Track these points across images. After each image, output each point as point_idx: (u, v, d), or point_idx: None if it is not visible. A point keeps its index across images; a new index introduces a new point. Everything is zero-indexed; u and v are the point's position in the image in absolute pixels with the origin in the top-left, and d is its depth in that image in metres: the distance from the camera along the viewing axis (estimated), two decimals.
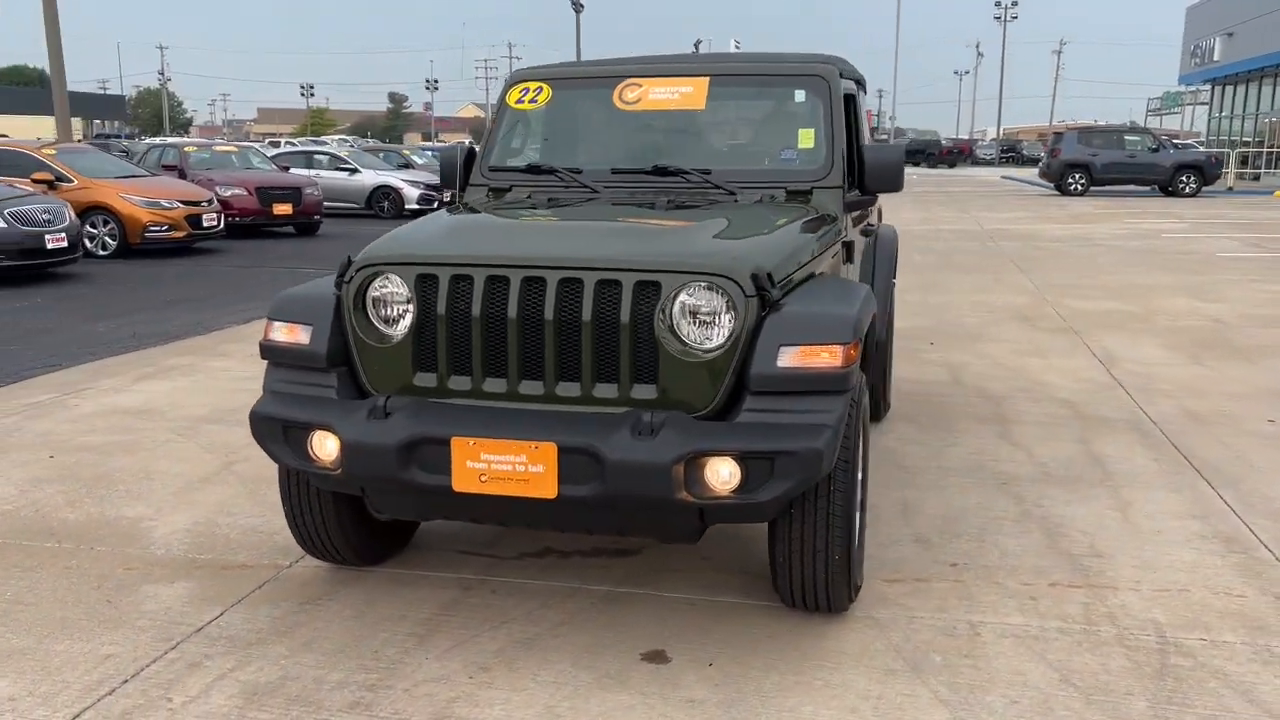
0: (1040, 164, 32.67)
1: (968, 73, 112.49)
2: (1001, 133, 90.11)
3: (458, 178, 4.63)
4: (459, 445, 3.05)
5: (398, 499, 3.31)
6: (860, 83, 5.33)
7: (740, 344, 3.07)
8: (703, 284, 3.08)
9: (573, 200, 4.16)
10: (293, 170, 20.88)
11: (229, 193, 17.12)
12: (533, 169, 4.45)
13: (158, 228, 14.42)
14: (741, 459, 2.92)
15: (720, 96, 4.50)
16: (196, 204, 15.05)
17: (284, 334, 3.41)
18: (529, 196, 4.31)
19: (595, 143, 4.67)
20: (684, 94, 4.49)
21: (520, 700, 2.95)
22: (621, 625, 3.41)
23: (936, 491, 4.69)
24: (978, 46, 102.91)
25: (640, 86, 4.54)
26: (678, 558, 3.95)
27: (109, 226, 14.41)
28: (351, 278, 3.33)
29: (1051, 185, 30.19)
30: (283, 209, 17.77)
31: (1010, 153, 67.52)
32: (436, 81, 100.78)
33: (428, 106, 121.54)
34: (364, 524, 3.73)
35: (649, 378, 3.10)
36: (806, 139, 4.34)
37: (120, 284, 12.09)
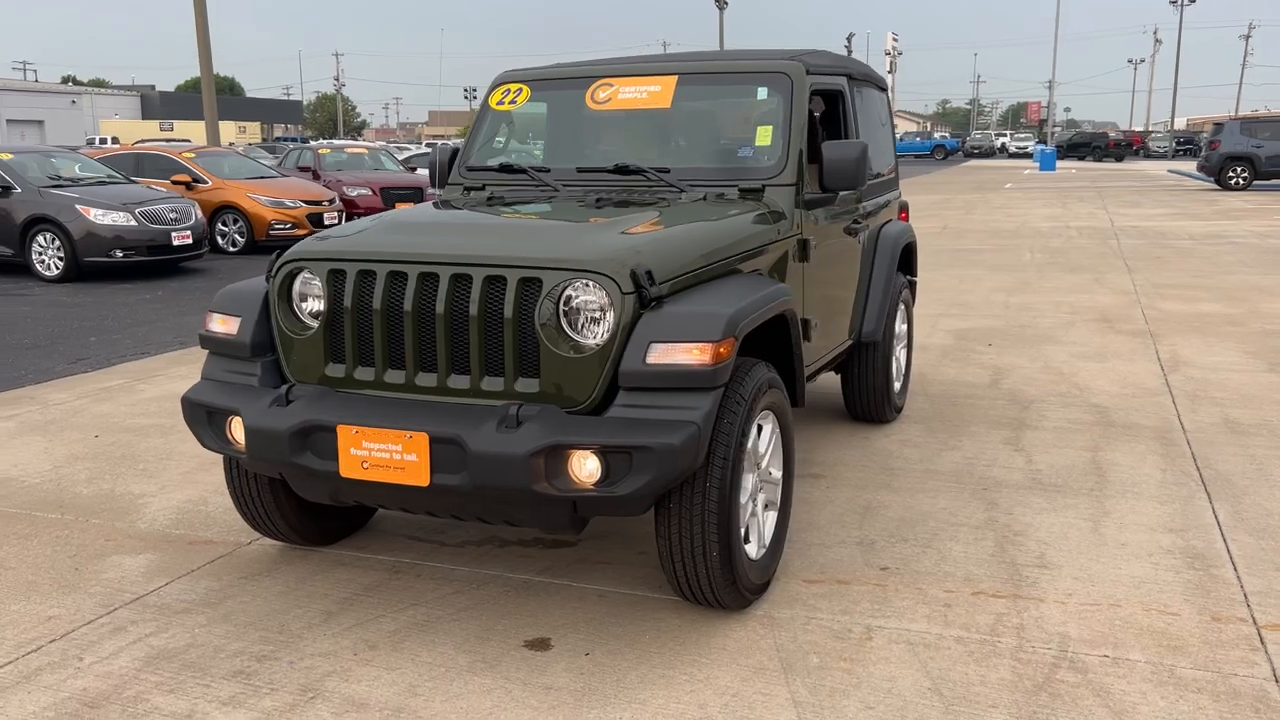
0: (1200, 157, 30.79)
1: (1143, 61, 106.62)
2: (1186, 123, 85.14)
3: (440, 177, 4.80)
4: (344, 433, 3.20)
5: (304, 482, 3.49)
6: (861, 78, 5.24)
7: (617, 340, 3.11)
8: (581, 281, 3.14)
9: (526, 199, 4.27)
10: (420, 171, 21.69)
11: (355, 192, 17.94)
12: (505, 168, 4.58)
13: (281, 225, 15.25)
14: (602, 453, 2.97)
15: (687, 95, 4.52)
16: (318, 203, 15.85)
17: (219, 325, 3.64)
18: (489, 196, 4.45)
19: (566, 142, 4.77)
20: (652, 93, 4.54)
21: (389, 679, 3.08)
22: (521, 613, 3.50)
23: (907, 495, 4.59)
24: (1155, 33, 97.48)
25: (612, 87, 4.61)
26: (615, 551, 4.01)
27: (238, 224, 15.33)
28: (276, 272, 3.53)
29: (1212, 179, 28.43)
30: (404, 207, 18.46)
31: (1187, 145, 63.39)
32: None
33: None
34: (305, 506, 3.94)
35: (532, 372, 3.18)
36: (764, 136, 4.32)
37: (239, 278, 12.85)
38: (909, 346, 6.01)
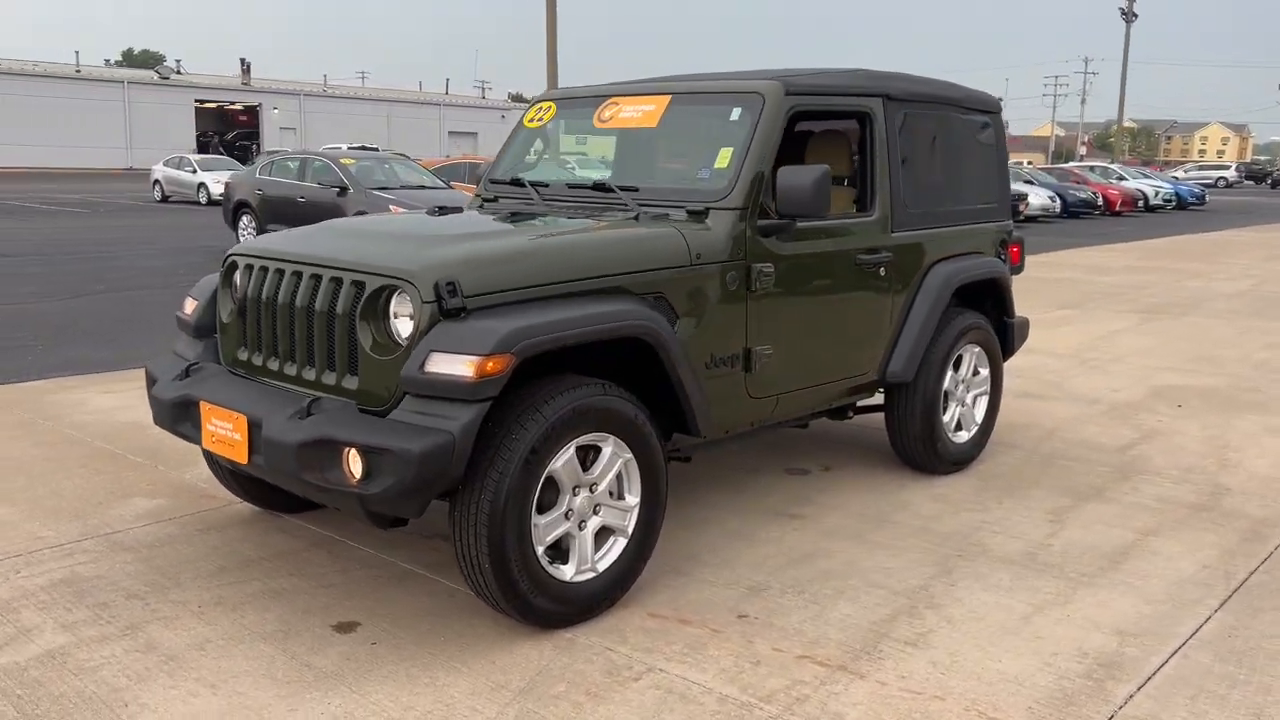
0: None
1: None
2: None
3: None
4: (203, 408, 3.62)
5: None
6: (920, 100, 4.88)
7: (416, 347, 3.26)
8: (394, 288, 3.32)
9: (503, 210, 4.47)
10: None
11: None
12: (514, 182, 4.81)
13: None
14: (363, 452, 3.14)
15: (674, 116, 4.49)
16: None
17: (186, 307, 4.20)
18: (481, 207, 4.70)
19: (571, 157, 4.89)
20: (645, 113, 4.57)
21: (197, 632, 3.44)
22: (369, 597, 3.73)
23: (865, 549, 4.25)
24: None
25: (617, 106, 4.69)
26: None
27: None
28: (224, 264, 4.02)
29: None
30: None
31: None
32: (1000, 99, 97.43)
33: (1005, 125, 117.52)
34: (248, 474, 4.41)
35: (354, 370, 3.41)
36: (724, 158, 4.20)
37: None
38: (992, 395, 5.45)
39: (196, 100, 59.00)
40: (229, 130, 62.00)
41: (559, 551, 3.51)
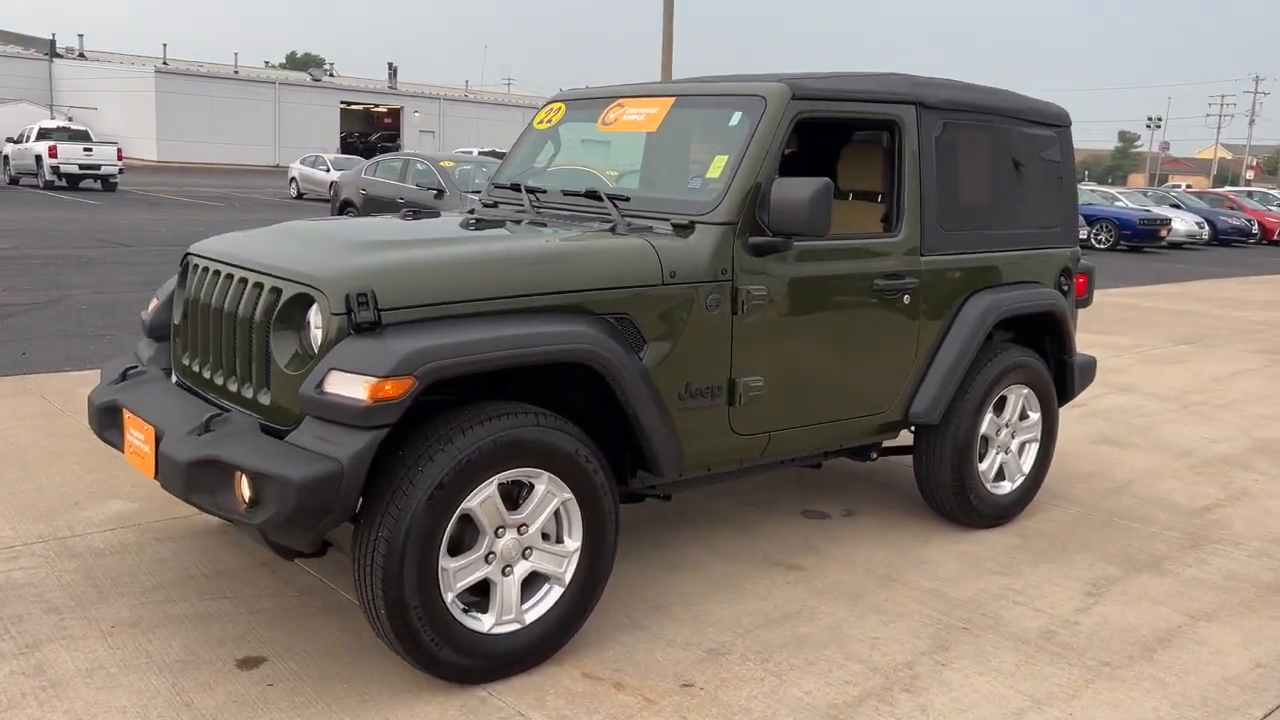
0: None
1: None
2: None
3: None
4: (125, 416, 3.40)
5: None
6: (959, 109, 4.35)
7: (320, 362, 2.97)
8: (306, 297, 3.04)
9: (484, 216, 4.16)
10: None
11: None
12: (514, 187, 4.50)
13: None
14: (251, 477, 2.86)
15: (674, 120, 4.11)
16: None
17: (149, 306, 4.03)
18: (471, 213, 4.40)
19: (569, 163, 4.55)
20: (647, 116, 4.20)
21: (95, 655, 3.22)
22: (288, 629, 3.45)
23: (858, 614, 3.76)
24: None
25: (621, 108, 4.33)
26: None
27: None
28: (182, 263, 3.83)
29: None
30: None
31: None
32: (1159, 119, 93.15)
33: (1164, 146, 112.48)
34: None
35: (267, 384, 3.14)
36: (716, 167, 3.79)
37: None
38: (1043, 442, 4.85)
39: (343, 102, 61.03)
40: (374, 131, 63.99)
41: (482, 598, 3.16)
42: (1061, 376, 4.96)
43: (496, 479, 3.05)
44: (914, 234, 4.21)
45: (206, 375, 3.44)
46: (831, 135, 4.85)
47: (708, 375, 3.64)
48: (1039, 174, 4.80)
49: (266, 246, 3.45)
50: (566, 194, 4.19)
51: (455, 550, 3.06)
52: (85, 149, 30.31)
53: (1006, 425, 4.69)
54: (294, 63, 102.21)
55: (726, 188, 3.68)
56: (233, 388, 3.29)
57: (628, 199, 3.94)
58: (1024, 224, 4.71)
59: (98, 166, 30.29)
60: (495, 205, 4.56)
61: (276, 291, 3.13)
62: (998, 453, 4.68)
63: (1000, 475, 4.73)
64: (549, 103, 4.80)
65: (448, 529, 2.97)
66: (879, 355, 4.17)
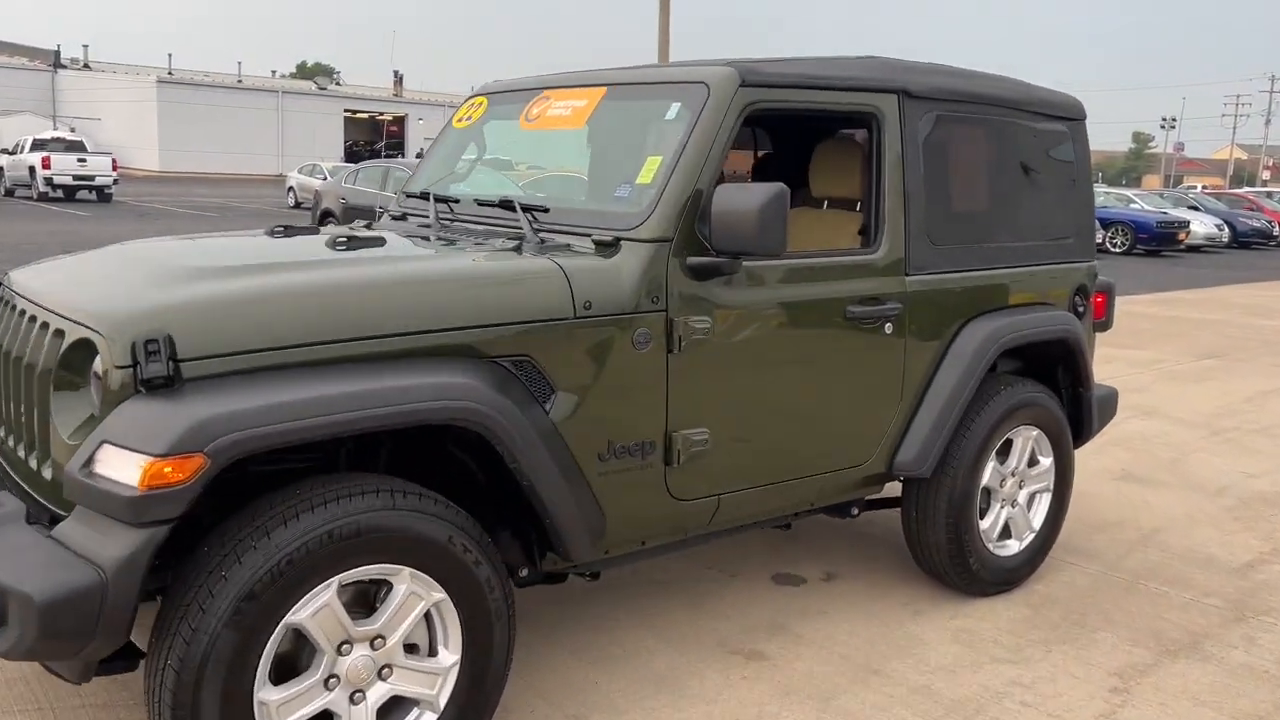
0: None
1: None
2: None
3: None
4: None
5: None
6: (959, 99, 3.62)
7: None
8: (89, 343, 2.34)
9: (364, 234, 3.45)
10: None
11: None
12: (425, 196, 3.79)
13: None
14: None
15: (604, 114, 3.39)
16: None
17: None
18: (368, 228, 3.71)
19: (491, 167, 3.84)
20: (575, 109, 3.49)
21: None
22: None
23: (830, 716, 3.03)
24: None
25: (547, 101, 3.62)
26: None
27: None
28: None
29: None
30: None
31: None
32: (1173, 119, 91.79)
33: (1178, 147, 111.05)
34: None
35: (48, 452, 2.43)
36: (648, 171, 3.07)
37: None
38: (1056, 492, 4.11)
39: (347, 110, 60.55)
40: (380, 140, 63.48)
41: None
42: (1077, 414, 4.21)
43: (336, 580, 2.33)
44: (897, 249, 3.48)
45: (6, 441, 2.75)
46: (811, 134, 4.11)
47: (637, 429, 2.93)
48: (1048, 175, 4.07)
49: (73, 275, 2.75)
50: (481, 204, 3.48)
51: (284, 675, 2.34)
52: (79, 160, 29.81)
53: (1013, 474, 3.95)
54: (304, 73, 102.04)
55: (659, 196, 2.97)
56: (21, 456, 2.59)
57: (547, 210, 3.22)
58: (1031, 235, 3.98)
59: (92, 177, 29.79)
60: (404, 218, 3.86)
61: (60, 335, 2.43)
62: (1002, 507, 3.94)
63: (1005, 533, 3.99)
64: (470, 96, 4.08)
65: (267, 649, 2.26)
66: (855, 397, 3.44)
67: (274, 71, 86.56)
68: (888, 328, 3.46)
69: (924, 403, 3.61)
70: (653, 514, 3.04)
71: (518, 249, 2.96)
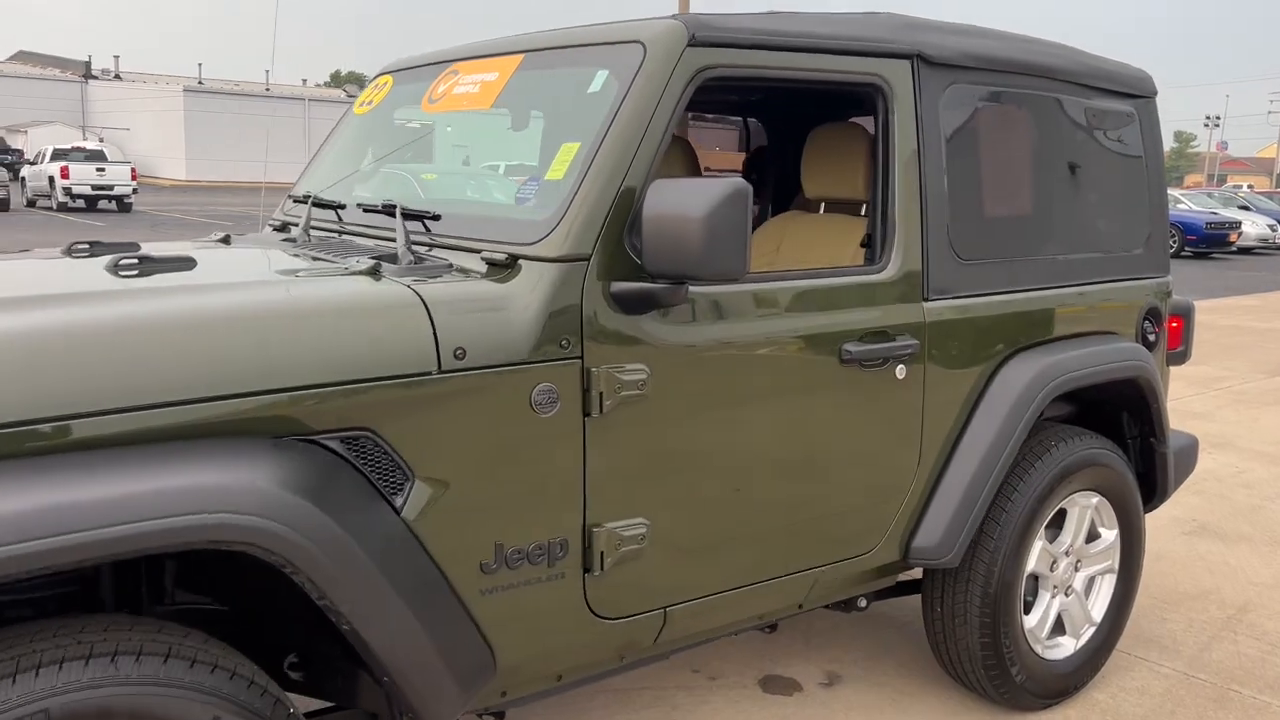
0: None
1: None
2: None
3: None
4: None
5: None
6: (915, 58, 2.75)
7: None
8: None
9: (167, 256, 2.65)
10: None
11: None
12: (305, 200, 2.98)
13: None
14: None
15: (518, 89, 2.56)
16: None
17: None
18: (225, 241, 2.90)
19: (392, 161, 3.01)
20: (485, 85, 2.66)
21: None
22: None
23: None
24: None
25: (454, 77, 2.79)
26: None
27: None
28: None
29: None
30: None
31: None
32: (1217, 117, 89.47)
33: (1222, 145, 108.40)
34: None
35: None
36: (561, 163, 2.23)
37: None
38: (1123, 574, 3.21)
39: None
40: None
41: None
42: (1149, 472, 3.32)
43: None
44: (911, 266, 2.62)
45: None
46: (814, 121, 3.24)
47: (540, 525, 2.09)
48: (1110, 168, 3.18)
49: None
50: (366, 210, 2.66)
51: None
52: (98, 169, 29.49)
53: (1067, 554, 3.06)
54: (337, 81, 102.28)
55: (571, 196, 2.13)
56: None
57: (438, 218, 2.39)
58: (1088, 245, 3.10)
59: (111, 187, 29.46)
60: (284, 228, 3.06)
61: None
62: (1053, 597, 3.06)
63: (1058, 628, 3.10)
64: (376, 76, 3.27)
65: None
66: (855, 465, 2.58)
67: (304, 80, 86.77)
68: (899, 371, 2.59)
69: (949, 468, 2.74)
70: (568, 641, 2.19)
71: (374, 271, 2.13)
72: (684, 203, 2.00)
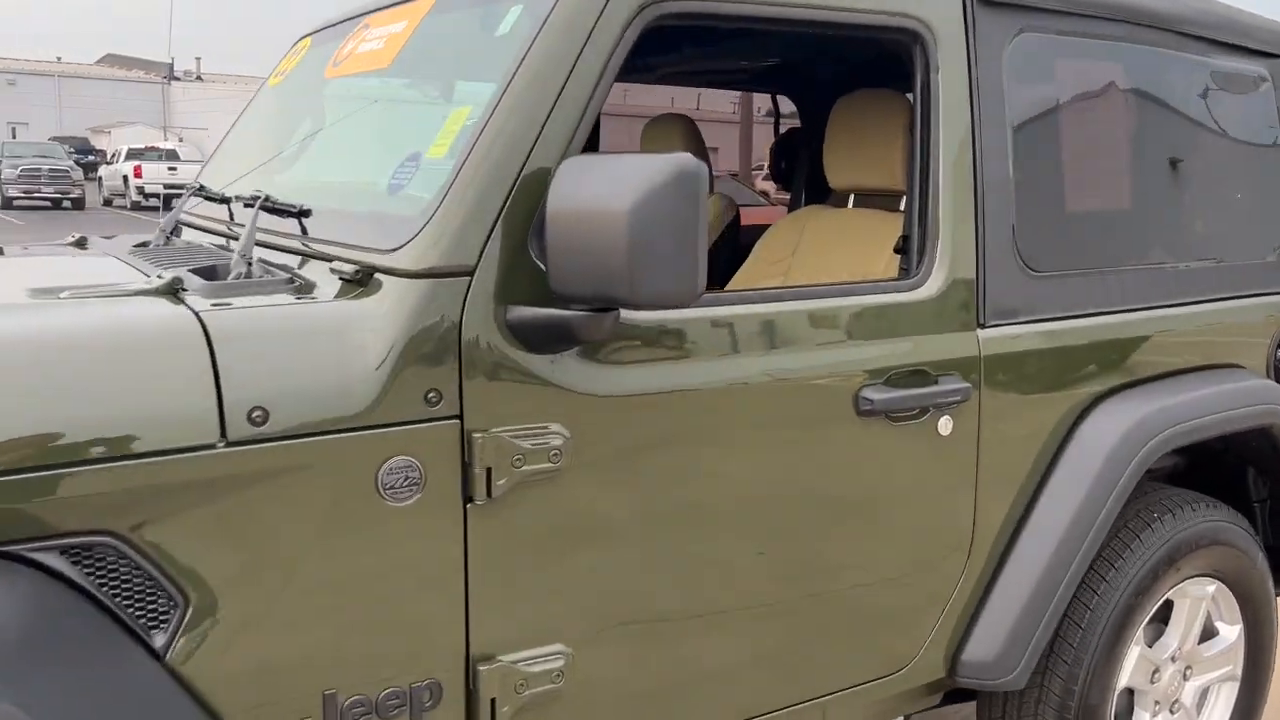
0: None
1: None
2: None
3: None
4: None
5: None
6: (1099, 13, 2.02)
7: None
8: None
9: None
10: None
11: None
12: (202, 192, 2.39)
13: None
14: None
15: (421, 41, 1.91)
16: None
17: None
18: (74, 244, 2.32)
19: (272, 143, 2.38)
20: (390, 39, 2.02)
21: None
22: None
23: None
24: None
25: (364, 33, 2.15)
26: None
27: None
28: None
29: None
30: None
31: None
32: None
33: None
34: None
35: None
36: (447, 134, 1.57)
37: None
38: (1247, 684, 2.44)
39: None
40: None
41: None
42: None
43: None
44: (961, 279, 1.90)
45: None
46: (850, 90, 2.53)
47: (395, 662, 1.45)
48: (1236, 149, 2.42)
49: None
50: (247, 206, 2.03)
51: None
52: (169, 168, 29.79)
53: (1173, 659, 2.31)
54: None
55: (449, 184, 1.47)
56: None
57: (308, 213, 1.76)
58: (1204, 250, 2.34)
59: (183, 185, 29.77)
60: (169, 237, 2.46)
61: None
62: (1155, 716, 2.31)
63: None
64: (296, 42, 2.65)
65: None
66: (878, 557, 1.88)
67: None
68: (943, 424, 1.88)
69: (1012, 556, 2.02)
70: None
71: (171, 290, 1.49)
72: (605, 190, 1.33)
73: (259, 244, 1.78)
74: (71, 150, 37.13)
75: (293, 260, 1.69)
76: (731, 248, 2.91)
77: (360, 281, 1.48)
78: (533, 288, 1.48)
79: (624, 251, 1.32)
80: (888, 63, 2.44)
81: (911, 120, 1.99)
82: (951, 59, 1.89)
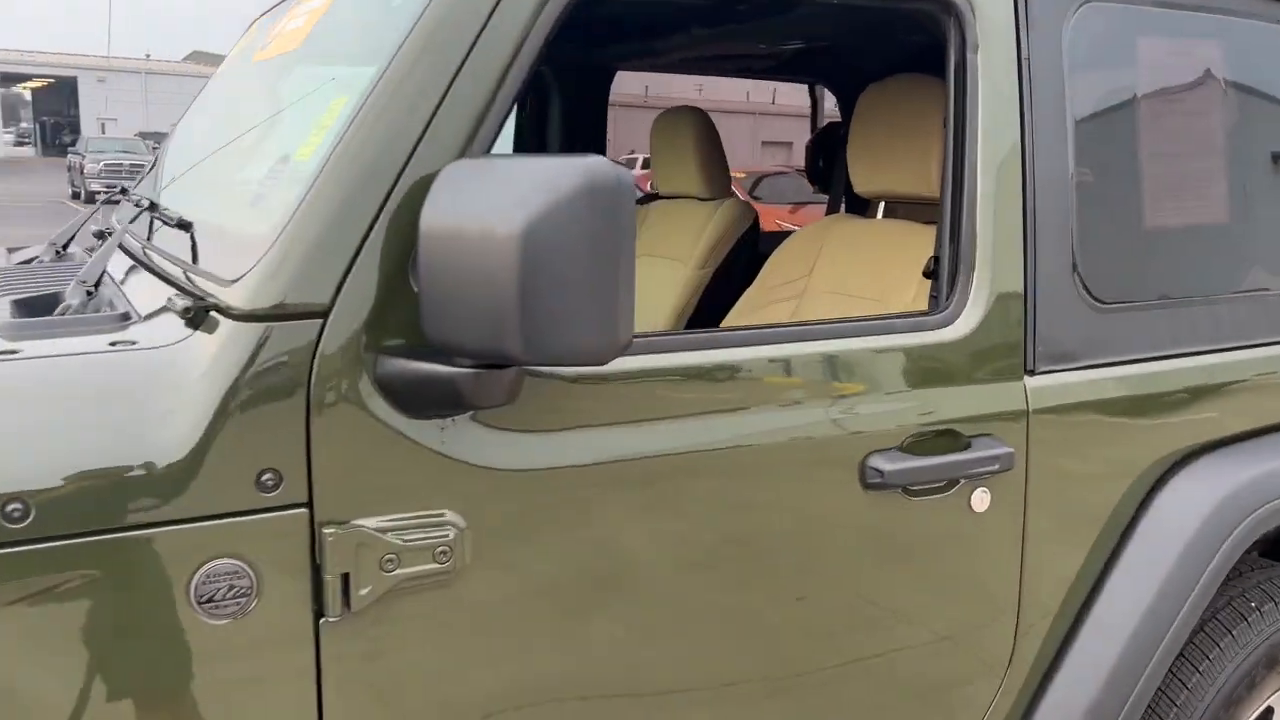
0: None
1: None
2: None
3: None
4: None
5: None
6: None
7: None
8: None
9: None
10: None
11: None
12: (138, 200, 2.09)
13: None
14: None
15: (333, 21, 1.57)
16: None
17: None
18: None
19: (198, 140, 2.06)
20: (309, 16, 1.68)
21: None
22: None
23: None
24: None
25: (299, 5, 1.83)
26: None
27: None
28: None
29: None
30: None
31: None
32: None
33: None
34: None
35: None
36: (315, 137, 1.22)
37: None
38: None
39: None
40: None
41: None
42: None
43: None
44: (1004, 313, 1.49)
45: None
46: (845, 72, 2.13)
47: None
48: None
49: None
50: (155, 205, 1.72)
51: None
52: None
53: None
54: None
55: (301, 197, 1.12)
56: None
57: (189, 226, 1.43)
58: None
59: None
60: (101, 236, 2.15)
61: None
62: None
63: None
64: (252, 23, 2.33)
65: None
66: (892, 667, 1.48)
67: None
68: (978, 498, 1.47)
69: (1066, 660, 1.61)
70: None
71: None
72: (490, 204, 0.97)
73: (145, 266, 1.46)
74: (154, 145, 37.91)
75: (159, 288, 1.36)
76: (749, 259, 2.53)
77: (194, 322, 1.13)
78: (416, 331, 1.12)
79: (513, 290, 0.96)
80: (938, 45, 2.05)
81: (940, 111, 1.59)
82: (994, 34, 1.48)
